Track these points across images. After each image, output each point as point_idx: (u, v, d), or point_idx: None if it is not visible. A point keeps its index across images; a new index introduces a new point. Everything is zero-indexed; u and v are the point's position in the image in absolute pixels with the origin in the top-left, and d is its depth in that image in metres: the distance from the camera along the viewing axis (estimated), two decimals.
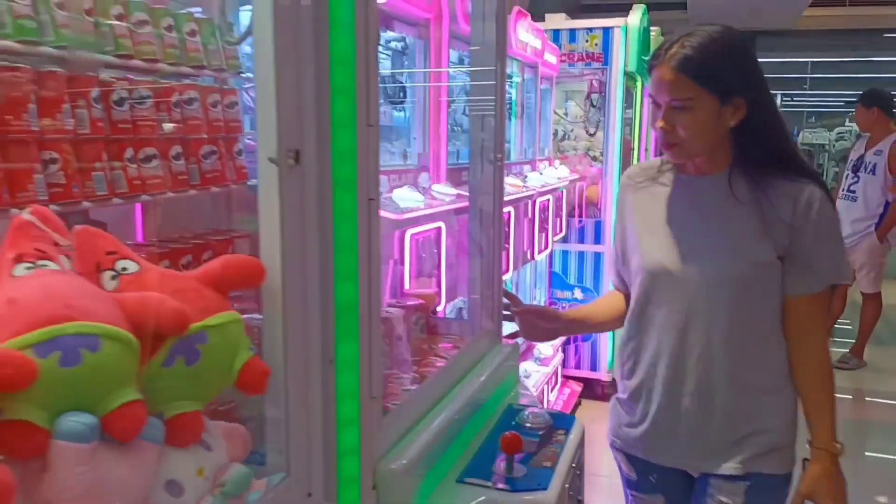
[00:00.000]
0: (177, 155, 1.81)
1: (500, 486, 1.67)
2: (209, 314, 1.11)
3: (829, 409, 1.81)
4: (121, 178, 1.65)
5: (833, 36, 13.19)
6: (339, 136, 1.25)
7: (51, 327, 0.91)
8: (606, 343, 5.64)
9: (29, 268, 1.00)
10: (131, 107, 1.67)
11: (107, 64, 1.64)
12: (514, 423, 1.99)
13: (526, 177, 4.29)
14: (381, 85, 2.76)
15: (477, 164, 2.29)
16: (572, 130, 5.72)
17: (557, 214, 5.04)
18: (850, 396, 5.82)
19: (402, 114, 3.26)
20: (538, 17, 5.02)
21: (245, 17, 2.07)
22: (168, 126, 1.74)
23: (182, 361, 1.07)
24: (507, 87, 3.06)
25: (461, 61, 3.69)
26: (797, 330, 1.82)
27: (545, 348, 5.03)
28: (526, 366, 4.68)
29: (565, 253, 5.72)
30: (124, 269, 1.12)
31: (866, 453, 4.38)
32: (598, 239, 5.66)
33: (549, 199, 4.69)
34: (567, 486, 1.74)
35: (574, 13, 6.29)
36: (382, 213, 1.77)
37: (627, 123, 5.85)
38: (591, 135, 5.64)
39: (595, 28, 5.47)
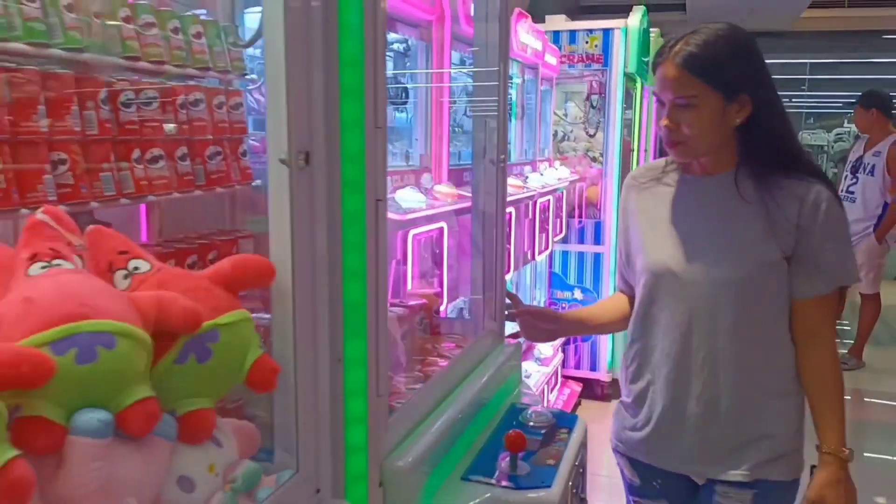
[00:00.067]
0: (183, 156, 1.82)
1: (505, 483, 1.68)
2: (220, 313, 1.13)
3: (837, 413, 1.77)
4: (128, 179, 1.66)
5: (832, 37, 13.22)
6: (348, 138, 1.27)
7: (67, 325, 0.93)
8: (606, 343, 5.66)
9: (44, 267, 1.01)
10: (138, 108, 1.69)
11: (115, 66, 1.66)
12: (517, 421, 2.00)
13: (526, 177, 4.31)
14: None
15: (479, 164, 2.30)
16: (572, 131, 5.74)
17: (557, 215, 5.06)
18: (849, 397, 5.84)
19: (403, 115, 3.28)
20: (538, 18, 5.04)
21: (249, 19, 2.10)
22: (169, 126, 1.75)
23: (194, 359, 1.09)
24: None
25: (462, 62, 3.70)
26: (804, 332, 1.79)
27: (545, 348, 5.04)
28: (526, 366, 4.70)
29: (565, 253, 5.73)
30: (136, 268, 1.13)
31: (865, 454, 4.38)
32: (597, 239, 5.68)
33: (549, 200, 4.71)
34: (570, 483, 1.75)
35: (573, 14, 6.30)
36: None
37: (627, 125, 5.87)
38: (590, 136, 5.66)
39: (595, 29, 5.49)
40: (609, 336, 5.50)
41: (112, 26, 1.64)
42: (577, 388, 5.61)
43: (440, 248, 2.92)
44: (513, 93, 4.59)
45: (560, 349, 5.38)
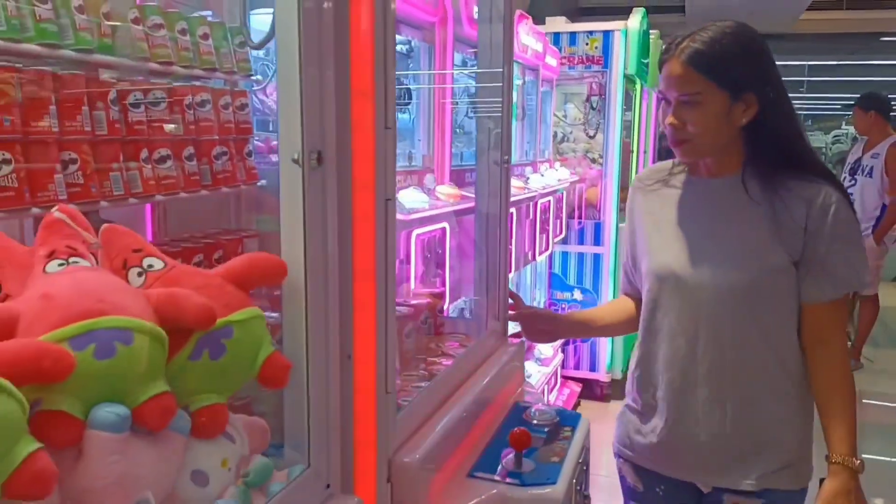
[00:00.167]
0: (189, 155, 1.84)
1: (510, 480, 1.70)
2: (233, 310, 1.14)
3: (847, 421, 1.71)
4: (136, 179, 1.68)
5: (830, 39, 13.25)
6: (358, 138, 1.28)
7: (85, 322, 0.95)
8: (605, 344, 5.67)
9: (61, 264, 1.03)
10: (146, 108, 1.70)
11: (124, 66, 1.67)
12: (521, 419, 2.02)
13: (527, 178, 4.33)
14: None
15: (483, 165, 2.32)
16: (571, 132, 5.76)
17: (557, 216, 5.07)
18: None
19: (406, 115, 3.29)
20: (538, 20, 5.06)
21: (255, 21, 2.11)
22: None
23: (208, 355, 1.11)
24: None
25: (464, 64, 3.72)
26: (813, 338, 1.75)
27: (545, 349, 5.06)
28: (526, 366, 4.69)
29: (565, 254, 5.75)
30: (150, 266, 1.15)
31: (863, 455, 4.39)
32: (597, 240, 5.69)
33: (549, 201, 4.73)
34: (574, 481, 1.77)
35: (572, 16, 6.33)
36: None
37: (627, 126, 5.89)
38: (590, 137, 5.67)
39: (595, 31, 5.51)
40: (609, 337, 5.50)
41: (121, 27, 1.65)
42: (577, 388, 5.62)
43: (442, 248, 2.94)
44: (514, 94, 4.61)
45: (560, 350, 5.40)
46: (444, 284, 2.92)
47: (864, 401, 5.87)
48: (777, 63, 1.76)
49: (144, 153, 1.69)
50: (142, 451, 1.00)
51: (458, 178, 3.28)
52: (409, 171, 2.98)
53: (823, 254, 1.69)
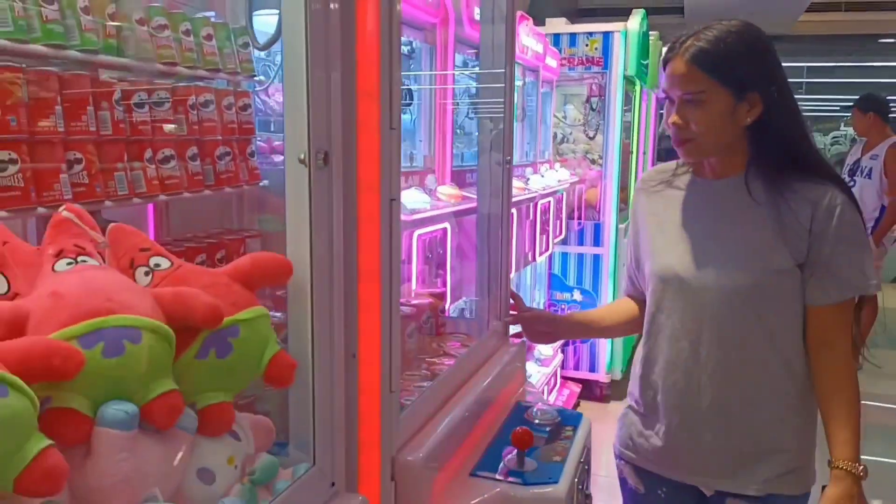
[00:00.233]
0: (193, 156, 1.85)
1: (512, 479, 1.71)
2: (239, 309, 1.15)
3: (851, 427, 1.68)
4: (140, 178, 1.68)
5: (829, 41, 13.27)
6: (364, 139, 1.29)
7: (94, 320, 0.96)
8: (605, 345, 5.68)
9: (70, 263, 1.04)
10: (150, 109, 1.71)
11: (128, 66, 1.68)
12: (523, 419, 2.02)
13: (528, 179, 4.34)
14: None
15: (485, 165, 2.32)
16: (571, 133, 5.77)
17: (557, 216, 5.08)
18: None
19: (407, 116, 3.30)
20: (538, 21, 5.07)
21: (258, 21, 2.12)
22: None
23: (214, 354, 1.11)
24: None
25: (465, 65, 3.73)
26: (818, 341, 1.73)
27: (545, 349, 5.07)
28: (527, 366, 4.72)
29: (564, 255, 5.76)
30: (157, 265, 1.16)
31: (862, 456, 4.40)
32: (597, 241, 5.70)
33: (549, 202, 4.74)
34: (576, 480, 1.78)
35: (571, 17, 6.34)
36: None
37: (626, 127, 5.91)
38: (590, 138, 5.69)
39: (595, 32, 5.52)
40: (609, 338, 5.51)
41: (126, 28, 1.66)
42: (577, 388, 5.63)
43: (443, 248, 2.95)
44: (514, 95, 4.62)
45: (560, 350, 5.41)
46: (444, 285, 2.93)
47: (863, 402, 5.87)
48: None
49: (148, 153, 1.70)
50: (149, 448, 1.01)
51: (458, 179, 3.29)
52: (410, 171, 2.99)
53: (828, 256, 1.67)
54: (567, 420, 2.04)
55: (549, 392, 5.06)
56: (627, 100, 5.85)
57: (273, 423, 1.31)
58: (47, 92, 1.43)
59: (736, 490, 1.78)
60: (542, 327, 2.19)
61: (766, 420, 1.76)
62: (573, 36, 5.56)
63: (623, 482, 2.01)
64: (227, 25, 1.98)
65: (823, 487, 1.69)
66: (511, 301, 2.28)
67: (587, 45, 5.51)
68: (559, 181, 4.87)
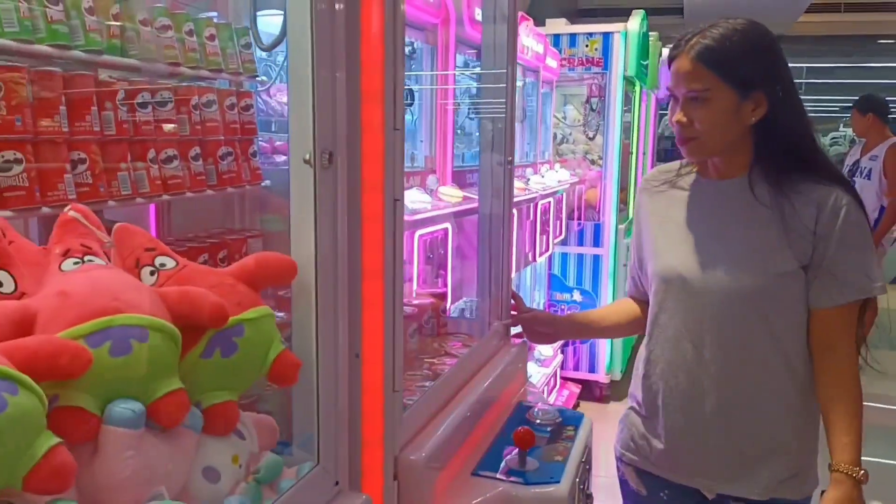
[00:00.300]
0: (195, 156, 1.85)
1: (514, 479, 1.71)
2: (244, 309, 1.16)
3: (852, 430, 1.66)
4: (143, 178, 1.69)
5: (828, 42, 13.31)
6: (368, 139, 1.30)
7: (102, 319, 0.96)
8: (605, 345, 5.68)
9: (76, 263, 1.05)
10: (153, 109, 1.72)
11: (132, 67, 1.69)
12: (524, 419, 2.03)
13: (528, 179, 4.35)
14: None
15: (486, 166, 2.33)
16: (570, 134, 5.78)
17: (557, 217, 5.09)
18: None
19: (408, 116, 3.31)
20: (538, 21, 5.08)
21: (261, 22, 2.13)
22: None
23: (219, 353, 1.12)
24: None
25: (466, 65, 3.74)
26: (821, 344, 1.71)
27: (546, 350, 5.07)
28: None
29: (564, 255, 5.76)
30: (163, 264, 1.17)
31: (862, 458, 4.39)
32: (596, 242, 5.71)
33: (549, 202, 4.74)
34: (577, 480, 1.78)
35: (571, 18, 6.35)
36: None
37: (626, 128, 5.92)
38: (590, 138, 5.69)
39: (595, 33, 5.53)
40: (608, 339, 5.51)
41: (130, 28, 1.67)
42: (576, 389, 5.64)
43: (444, 248, 2.95)
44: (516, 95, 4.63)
45: (560, 351, 5.42)
46: (445, 285, 2.93)
47: (864, 403, 5.87)
48: None
49: (152, 153, 1.71)
50: (156, 446, 1.02)
51: (459, 179, 3.30)
52: (411, 171, 3.00)
53: (832, 257, 1.66)
54: (568, 420, 2.04)
55: (549, 392, 5.06)
56: (627, 100, 5.86)
57: (276, 422, 1.32)
58: (51, 92, 1.43)
59: (738, 494, 1.77)
60: (542, 328, 2.20)
61: (768, 421, 1.75)
62: (573, 36, 5.57)
63: (624, 484, 2.00)
64: (229, 26, 1.99)
65: (822, 492, 1.68)
66: (512, 301, 2.28)
67: (587, 46, 5.52)
68: (559, 182, 4.88)
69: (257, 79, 2.16)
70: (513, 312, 2.28)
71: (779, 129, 1.69)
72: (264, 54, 2.26)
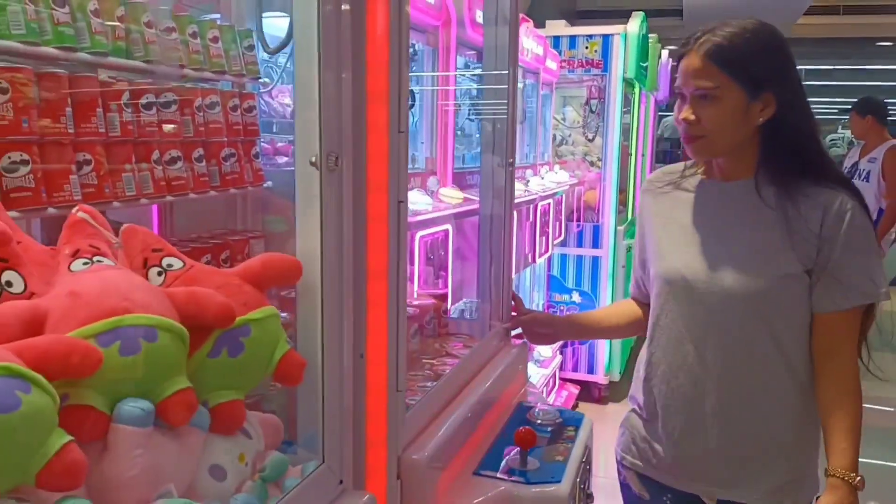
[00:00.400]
0: (199, 157, 1.86)
1: (515, 478, 1.72)
2: (250, 309, 1.17)
3: (851, 436, 1.65)
4: (147, 179, 1.70)
5: (826, 44, 13.32)
6: (373, 141, 1.31)
7: (112, 319, 0.97)
8: (604, 346, 5.69)
9: (86, 263, 1.06)
10: (157, 110, 1.73)
11: (137, 69, 1.70)
12: (525, 419, 2.04)
13: (528, 181, 4.36)
14: None
15: (487, 167, 2.34)
16: (570, 135, 5.79)
17: (557, 218, 5.10)
18: None
19: (409, 118, 3.32)
20: (537, 23, 5.09)
21: (267, 24, 2.14)
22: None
23: (226, 353, 1.13)
24: None
25: (466, 66, 3.75)
26: (822, 349, 1.69)
27: (545, 350, 5.08)
28: None
29: (563, 256, 5.77)
30: (170, 265, 1.18)
31: (858, 458, 4.40)
32: (595, 243, 5.72)
33: (549, 203, 4.75)
34: (578, 479, 1.79)
35: (570, 20, 6.36)
36: None
37: (625, 129, 5.93)
38: (589, 140, 5.70)
39: (595, 35, 5.55)
40: (607, 339, 5.52)
41: (135, 31, 1.68)
42: (575, 390, 5.65)
43: (445, 250, 2.96)
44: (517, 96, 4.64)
45: (559, 352, 5.43)
46: (446, 286, 2.94)
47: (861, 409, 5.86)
48: None
49: (156, 154, 1.72)
50: (164, 445, 1.03)
51: (459, 181, 3.31)
52: (412, 173, 3.01)
53: (836, 261, 1.64)
54: (569, 420, 2.05)
55: (548, 393, 5.08)
56: (626, 102, 5.87)
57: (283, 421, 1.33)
58: (58, 94, 1.44)
59: (738, 499, 1.77)
60: (541, 329, 2.21)
61: (769, 423, 1.74)
62: (573, 38, 5.58)
63: (626, 489, 1.99)
64: (232, 28, 2.00)
65: (817, 498, 1.69)
66: (511, 303, 2.29)
67: (587, 48, 5.53)
68: (558, 183, 4.89)
69: (260, 80, 2.17)
70: (512, 313, 2.29)
71: (786, 130, 1.68)
72: (266, 56, 2.27)
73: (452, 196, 2.97)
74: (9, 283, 1.01)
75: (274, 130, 2.42)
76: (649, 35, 6.11)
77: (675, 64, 1.75)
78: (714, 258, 1.73)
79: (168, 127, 1.77)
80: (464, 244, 3.16)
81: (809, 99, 1.74)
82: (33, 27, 1.40)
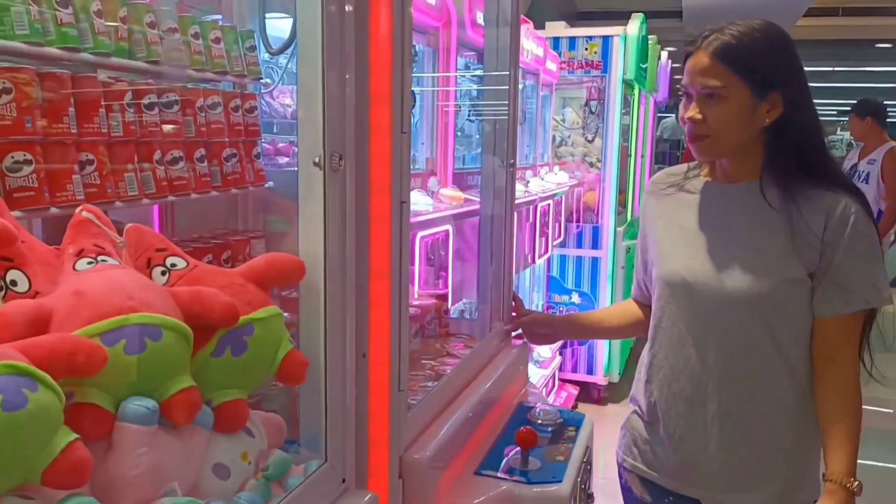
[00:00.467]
0: (201, 157, 1.86)
1: (516, 478, 1.73)
2: (254, 308, 1.18)
3: (849, 442, 1.64)
4: (150, 179, 1.70)
5: (825, 46, 13.32)
6: (376, 142, 1.32)
7: (117, 318, 0.98)
8: (603, 347, 5.69)
9: (90, 262, 1.06)
10: (160, 110, 1.73)
11: (139, 69, 1.70)
12: (525, 419, 2.04)
13: (528, 182, 4.36)
14: None
15: (488, 168, 2.34)
16: (569, 136, 5.79)
17: (556, 219, 5.10)
18: None
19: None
20: (537, 24, 5.09)
21: (270, 25, 2.14)
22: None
23: (230, 352, 1.14)
24: None
25: (466, 67, 3.76)
26: (822, 354, 1.68)
27: (544, 351, 5.09)
28: None
29: (563, 257, 5.78)
30: (174, 265, 1.18)
31: (856, 464, 4.40)
32: (595, 244, 5.73)
33: (549, 204, 4.76)
34: (579, 479, 1.80)
35: (570, 21, 6.37)
36: None
37: (625, 130, 5.94)
38: (589, 141, 5.71)
39: (595, 36, 5.55)
40: (606, 340, 5.52)
41: (137, 31, 1.68)
42: (574, 391, 5.65)
43: (445, 250, 2.97)
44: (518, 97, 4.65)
45: (558, 352, 5.43)
46: (446, 286, 2.94)
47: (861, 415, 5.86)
48: None
49: (158, 154, 1.72)
50: (168, 443, 1.03)
51: (459, 181, 3.31)
52: (412, 173, 3.01)
53: (839, 266, 1.63)
54: (569, 421, 2.06)
55: (548, 394, 5.08)
56: (626, 103, 5.88)
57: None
58: (60, 94, 1.45)
59: None
60: (541, 329, 2.21)
61: (769, 427, 1.73)
62: (573, 39, 5.58)
63: (628, 491, 1.97)
64: (234, 29, 2.01)
65: (815, 502, 1.67)
66: (511, 303, 2.30)
67: (586, 49, 5.54)
68: (558, 184, 4.90)
69: (261, 81, 2.18)
70: (512, 314, 2.29)
71: (792, 132, 1.66)
72: (267, 56, 2.28)
73: (453, 196, 2.98)
74: (14, 283, 1.02)
75: (275, 131, 2.43)
76: (649, 36, 6.12)
77: (683, 63, 1.73)
78: (716, 261, 1.71)
79: (170, 127, 1.77)
80: (464, 245, 3.17)
81: None
82: (37, 28, 1.41)
